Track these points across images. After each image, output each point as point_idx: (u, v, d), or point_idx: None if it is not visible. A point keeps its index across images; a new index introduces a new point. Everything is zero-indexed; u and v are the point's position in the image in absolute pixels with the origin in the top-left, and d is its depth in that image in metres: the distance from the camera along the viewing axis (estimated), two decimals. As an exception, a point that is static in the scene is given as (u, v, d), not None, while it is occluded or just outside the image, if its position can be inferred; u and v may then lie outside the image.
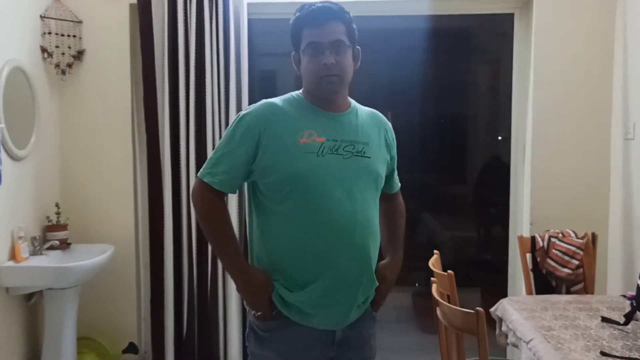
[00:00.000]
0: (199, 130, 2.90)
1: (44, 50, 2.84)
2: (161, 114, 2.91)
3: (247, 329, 1.66)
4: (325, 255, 1.53)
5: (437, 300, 1.94)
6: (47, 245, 2.76)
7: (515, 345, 2.04)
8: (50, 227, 2.84)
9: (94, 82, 3.00)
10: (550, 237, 2.72)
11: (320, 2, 1.59)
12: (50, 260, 2.69)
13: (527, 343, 1.85)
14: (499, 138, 3.47)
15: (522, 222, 3.09)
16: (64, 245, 2.83)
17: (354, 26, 1.62)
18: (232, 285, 2.92)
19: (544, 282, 2.71)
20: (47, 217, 2.86)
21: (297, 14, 1.60)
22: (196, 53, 2.86)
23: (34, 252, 2.68)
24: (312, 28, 1.56)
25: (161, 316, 2.94)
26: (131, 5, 2.95)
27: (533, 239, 2.75)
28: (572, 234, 2.71)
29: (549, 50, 2.91)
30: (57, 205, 2.90)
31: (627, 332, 1.89)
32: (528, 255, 2.76)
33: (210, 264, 2.92)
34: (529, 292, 2.71)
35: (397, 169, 1.83)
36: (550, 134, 2.94)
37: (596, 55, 2.90)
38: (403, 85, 3.51)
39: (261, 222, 1.60)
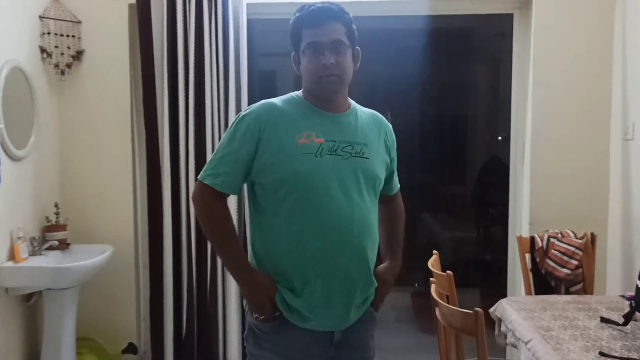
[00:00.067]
0: (199, 130, 2.90)
1: (43, 50, 2.84)
2: (160, 114, 2.91)
3: (246, 330, 1.66)
4: (323, 255, 1.53)
5: (436, 300, 1.94)
6: (47, 245, 2.75)
7: (514, 346, 2.04)
8: (50, 228, 2.84)
9: (93, 82, 3.00)
10: (549, 237, 2.72)
11: (320, 3, 1.59)
12: (49, 260, 2.69)
13: (526, 343, 1.85)
14: (499, 138, 3.47)
15: (521, 223, 3.09)
16: (63, 245, 2.83)
17: (354, 27, 1.62)
18: (231, 285, 2.92)
19: (543, 283, 2.71)
20: (47, 218, 2.86)
21: (297, 14, 1.60)
22: (195, 53, 2.86)
23: (33, 253, 2.68)
24: (312, 28, 1.56)
25: (160, 316, 2.94)
26: (130, 5, 2.95)
27: (532, 239, 2.75)
28: (571, 234, 2.71)
29: (548, 50, 2.91)
30: (56, 205, 2.90)
31: (626, 333, 1.89)
32: (527, 256, 2.76)
33: (210, 263, 2.92)
34: (528, 293, 2.71)
35: (397, 169, 1.83)
36: (549, 134, 2.94)
37: (595, 55, 2.91)
38: (402, 85, 3.50)
39: (260, 222, 1.61)
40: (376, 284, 1.68)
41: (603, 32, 2.89)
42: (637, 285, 1.99)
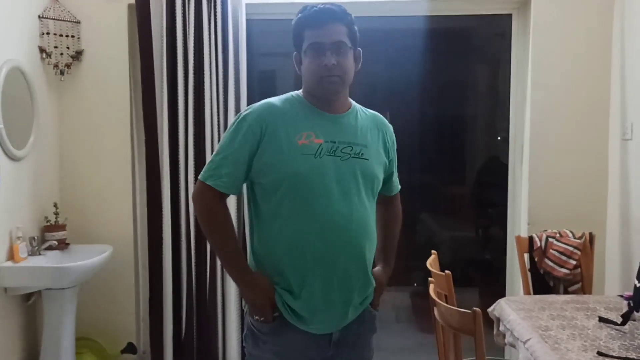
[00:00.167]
0: (198, 130, 2.90)
1: (42, 50, 2.84)
2: (160, 114, 2.91)
3: (245, 330, 1.67)
4: (322, 256, 1.54)
5: (434, 300, 1.95)
6: (46, 245, 2.75)
7: (512, 345, 2.05)
8: (49, 227, 2.84)
9: (93, 83, 3.00)
10: (547, 237, 2.73)
11: (323, 4, 1.59)
12: (48, 260, 2.69)
13: (525, 343, 1.86)
14: (499, 138, 3.47)
15: (520, 222, 3.10)
16: (63, 245, 2.83)
17: (356, 28, 1.63)
18: (230, 286, 2.92)
19: (542, 282, 2.71)
20: (46, 217, 2.86)
21: (299, 15, 1.61)
22: (195, 53, 2.86)
23: (33, 252, 2.68)
24: (313, 29, 1.57)
25: (160, 316, 2.94)
26: (129, 5, 2.95)
27: (531, 239, 2.76)
28: (570, 234, 2.71)
29: (546, 50, 2.92)
30: (55, 205, 2.90)
31: (624, 332, 1.89)
32: (526, 256, 2.77)
33: (209, 264, 2.92)
34: (527, 292, 2.72)
35: (396, 170, 1.83)
36: (548, 134, 2.94)
37: (594, 55, 2.91)
38: (402, 85, 3.50)
39: (259, 222, 1.61)
40: (374, 284, 1.68)
41: (602, 32, 2.90)
42: (635, 285, 2.00)
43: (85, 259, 2.64)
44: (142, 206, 3.07)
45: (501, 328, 2.19)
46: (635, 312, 1.96)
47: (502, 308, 2.21)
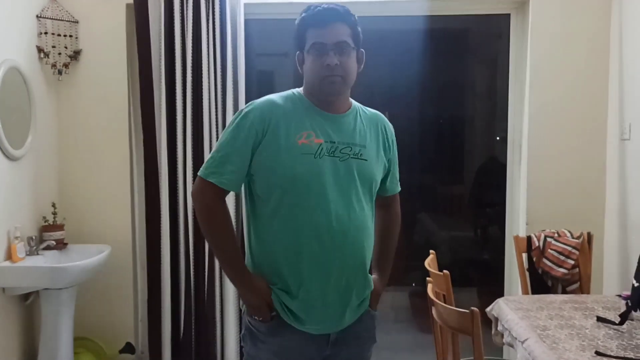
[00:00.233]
0: (196, 131, 2.90)
1: (40, 50, 2.84)
2: (158, 114, 2.90)
3: (243, 330, 1.67)
4: (319, 256, 1.53)
5: (432, 300, 1.95)
6: (44, 245, 2.75)
7: (510, 345, 2.05)
8: (47, 227, 2.84)
9: (91, 82, 3.00)
10: (546, 237, 2.73)
11: (326, 4, 1.59)
12: (46, 260, 2.69)
13: (523, 343, 1.86)
14: (497, 139, 3.47)
15: (518, 222, 3.10)
16: (61, 245, 2.83)
17: (359, 29, 1.62)
18: (229, 285, 2.92)
19: (540, 282, 2.71)
20: (44, 217, 2.85)
21: (303, 14, 1.60)
22: (193, 53, 2.86)
23: (30, 252, 2.67)
24: (317, 28, 1.56)
25: (158, 316, 2.93)
26: (127, 5, 2.95)
27: (529, 238, 2.76)
28: (568, 234, 2.72)
29: (545, 50, 2.92)
30: (53, 205, 2.90)
31: (622, 332, 1.89)
32: (524, 255, 2.77)
33: (208, 264, 2.92)
34: (525, 292, 2.72)
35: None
36: (546, 134, 2.95)
37: (592, 55, 2.91)
38: (399, 85, 3.51)
39: (257, 222, 1.60)
40: (372, 287, 1.68)
41: (600, 32, 2.90)
42: (633, 285, 2.00)
43: (83, 259, 2.64)
44: (141, 206, 3.07)
45: (499, 328, 2.19)
46: (633, 312, 1.96)
47: (501, 308, 2.22)
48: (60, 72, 2.92)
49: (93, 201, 3.03)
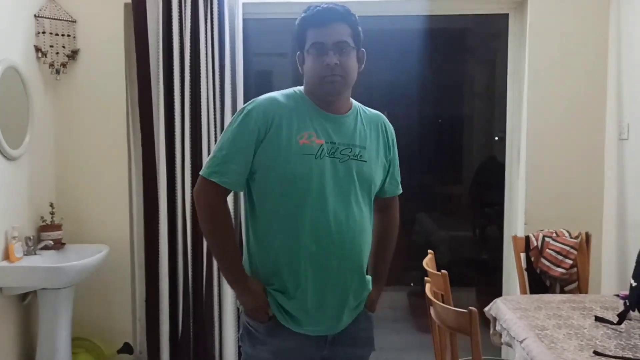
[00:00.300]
0: (194, 130, 2.90)
1: (38, 49, 2.84)
2: (156, 114, 2.90)
3: (241, 329, 1.66)
4: (317, 258, 1.53)
5: (430, 299, 1.95)
6: (41, 245, 2.75)
7: (509, 345, 2.05)
8: (45, 227, 2.83)
9: (89, 82, 2.99)
10: (544, 236, 2.73)
11: (326, 4, 1.58)
12: (44, 260, 2.69)
13: (521, 342, 1.86)
14: (496, 138, 3.47)
15: (516, 222, 3.10)
16: (58, 245, 2.83)
17: (360, 29, 1.62)
18: (227, 286, 2.91)
19: (538, 282, 2.71)
20: (42, 217, 2.85)
21: (303, 14, 1.60)
22: (191, 53, 2.86)
23: (28, 252, 2.67)
24: (317, 28, 1.55)
25: (156, 316, 2.93)
26: (126, 4, 2.95)
27: (527, 238, 2.76)
28: (566, 234, 2.72)
29: (543, 50, 2.92)
30: (51, 205, 2.89)
31: (620, 332, 1.89)
32: (522, 255, 2.77)
33: (206, 264, 2.92)
34: (523, 292, 2.72)
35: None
36: (544, 134, 2.95)
37: (590, 55, 2.91)
38: (398, 85, 3.51)
39: (256, 221, 1.60)
40: (370, 289, 1.68)
41: (598, 32, 2.90)
42: (631, 285, 2.00)
43: (81, 259, 2.64)
44: (139, 206, 3.06)
45: (497, 327, 2.19)
46: (631, 312, 1.96)
47: (499, 307, 2.21)
48: (58, 72, 2.92)
49: (91, 201, 3.03)
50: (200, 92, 2.87)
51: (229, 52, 2.88)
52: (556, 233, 2.73)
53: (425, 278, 2.16)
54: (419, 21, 3.27)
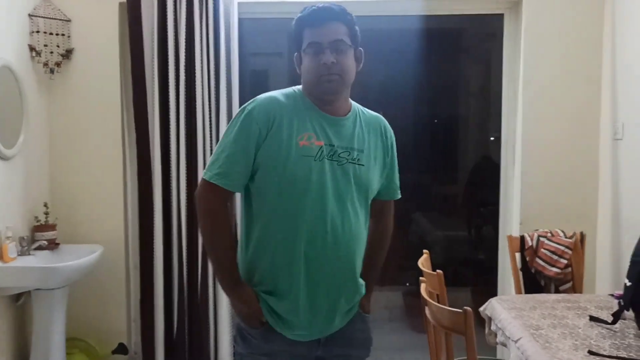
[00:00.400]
0: (189, 130, 2.89)
1: (32, 49, 2.82)
2: (151, 114, 2.89)
3: (234, 331, 1.66)
4: (310, 260, 1.52)
5: (426, 299, 1.95)
6: (36, 245, 2.73)
7: (504, 344, 2.05)
8: (39, 227, 2.82)
9: (83, 81, 2.98)
10: (539, 236, 2.74)
11: (322, 3, 1.58)
12: (38, 260, 2.67)
13: (516, 342, 1.86)
14: (492, 138, 3.48)
15: (511, 222, 3.10)
16: (53, 245, 2.81)
17: (357, 28, 1.61)
18: (222, 286, 2.91)
19: (533, 281, 2.72)
20: (36, 217, 2.83)
21: (299, 14, 1.59)
22: (186, 52, 2.85)
23: (22, 252, 2.65)
24: (313, 28, 1.55)
25: (151, 317, 2.92)
26: (120, 4, 2.93)
27: (522, 238, 2.77)
28: (561, 234, 2.72)
29: (538, 50, 2.93)
30: (45, 205, 2.88)
31: (614, 331, 1.90)
32: (517, 255, 2.78)
33: (201, 264, 2.91)
34: (518, 291, 2.73)
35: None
36: (539, 134, 2.95)
37: (585, 55, 2.92)
38: (394, 85, 3.51)
39: (252, 222, 1.59)
40: (363, 293, 1.67)
41: (593, 32, 2.91)
42: (625, 284, 2.00)
43: (75, 259, 2.63)
44: (133, 206, 3.05)
45: (492, 327, 2.19)
46: (625, 311, 1.96)
47: (494, 307, 2.22)
48: (52, 71, 2.90)
49: (85, 201, 3.01)
50: (195, 91, 2.86)
51: (224, 52, 2.88)
52: (551, 233, 2.74)
53: (421, 278, 2.16)
54: (414, 21, 3.27)
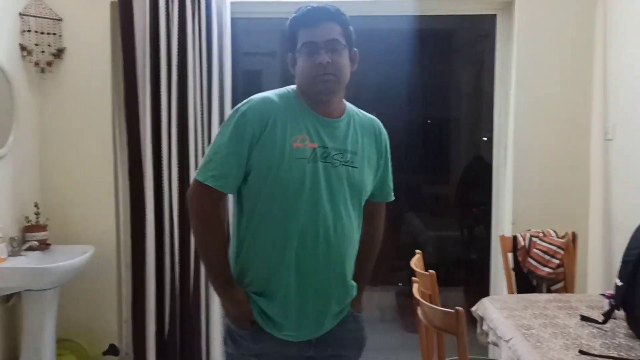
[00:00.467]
0: (181, 130, 2.88)
1: (23, 48, 2.80)
2: (142, 114, 2.87)
3: (224, 332, 1.65)
4: (301, 261, 1.52)
5: (418, 299, 1.95)
6: (26, 246, 2.71)
7: (495, 344, 2.06)
8: (29, 228, 2.80)
9: (74, 81, 2.96)
10: (531, 236, 2.75)
11: (316, 3, 1.57)
12: (29, 261, 2.65)
13: (507, 342, 1.86)
14: (484, 139, 3.49)
15: (504, 222, 3.11)
16: (43, 245, 2.79)
17: (351, 28, 1.60)
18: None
19: (525, 281, 2.73)
20: (26, 218, 2.81)
21: (294, 15, 1.58)
22: (178, 52, 2.84)
23: (13, 253, 2.64)
24: (307, 28, 1.54)
25: (142, 318, 2.90)
26: (112, 3, 2.92)
27: (514, 238, 2.77)
28: (553, 234, 2.74)
29: (530, 51, 2.93)
30: (36, 205, 2.86)
31: (605, 331, 1.91)
32: (510, 255, 2.78)
33: (193, 264, 2.90)
34: (510, 291, 2.73)
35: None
36: (531, 135, 2.96)
37: (577, 56, 2.94)
38: (386, 85, 3.52)
39: (243, 223, 1.58)
40: (354, 295, 1.66)
41: (584, 33, 2.92)
42: (616, 284, 2.01)
43: (66, 259, 2.61)
44: (125, 206, 3.04)
45: (484, 327, 2.19)
46: (616, 311, 1.97)
47: (486, 307, 2.22)
48: (43, 71, 2.89)
49: (76, 201, 2.99)
50: (187, 91, 2.85)
51: (216, 51, 2.87)
52: (543, 233, 2.75)
53: (413, 278, 2.16)
54: (406, 21, 3.27)
